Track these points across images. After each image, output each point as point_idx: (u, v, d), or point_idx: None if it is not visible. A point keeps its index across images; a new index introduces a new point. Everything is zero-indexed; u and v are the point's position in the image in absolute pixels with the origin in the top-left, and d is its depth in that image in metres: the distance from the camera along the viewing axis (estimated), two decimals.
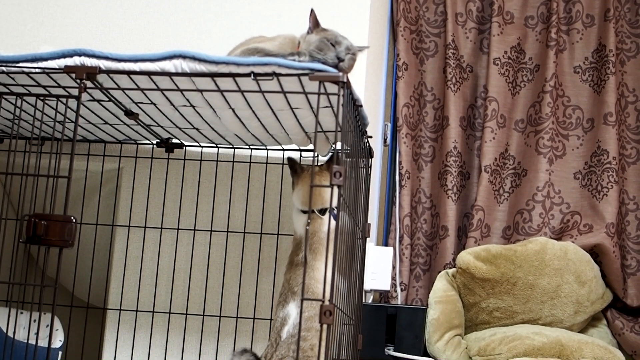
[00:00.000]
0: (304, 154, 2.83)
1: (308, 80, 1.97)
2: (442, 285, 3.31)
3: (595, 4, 3.80)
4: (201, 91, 2.13)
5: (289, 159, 2.53)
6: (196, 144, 2.87)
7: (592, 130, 3.71)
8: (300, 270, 2.38)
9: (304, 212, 2.45)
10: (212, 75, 2.01)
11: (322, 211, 2.41)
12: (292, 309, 2.33)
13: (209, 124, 2.50)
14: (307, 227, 2.17)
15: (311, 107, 2.24)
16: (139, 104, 2.31)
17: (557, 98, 3.76)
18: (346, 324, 2.18)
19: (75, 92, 2.00)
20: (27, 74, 2.05)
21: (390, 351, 3.09)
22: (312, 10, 2.37)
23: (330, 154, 2.64)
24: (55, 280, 1.88)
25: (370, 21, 3.12)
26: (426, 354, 3.17)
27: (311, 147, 2.76)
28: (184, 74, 2.02)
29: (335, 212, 2.29)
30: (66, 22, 3.14)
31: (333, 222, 2.36)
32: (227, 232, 2.87)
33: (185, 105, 2.30)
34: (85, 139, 2.86)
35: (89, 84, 2.04)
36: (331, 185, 1.85)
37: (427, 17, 3.95)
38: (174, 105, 2.30)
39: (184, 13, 3.11)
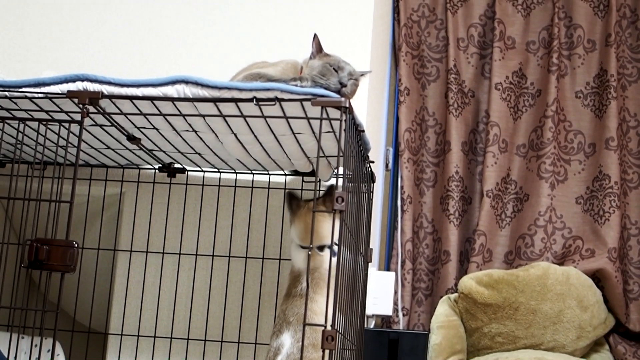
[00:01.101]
0: (305, 179, 2.83)
1: (310, 106, 1.98)
2: (444, 310, 3.31)
3: (596, 29, 3.81)
4: (204, 116, 2.14)
5: (289, 193, 2.52)
6: (198, 168, 2.87)
7: (594, 155, 3.71)
8: (297, 301, 2.36)
9: (303, 247, 2.44)
10: (215, 101, 2.01)
11: (321, 248, 2.40)
12: (286, 339, 2.32)
13: (211, 149, 2.51)
14: (309, 252, 2.17)
15: (313, 132, 2.24)
16: (141, 129, 2.31)
17: (559, 123, 3.76)
18: (348, 350, 2.18)
19: (77, 117, 2.00)
20: (30, 99, 2.06)
21: None
22: (315, 36, 2.37)
23: (331, 180, 2.64)
24: (57, 305, 1.88)
25: (372, 46, 3.13)
26: None
27: (313, 172, 2.76)
28: (186, 99, 2.02)
29: (335, 249, 2.30)
30: (69, 47, 3.15)
31: (333, 259, 2.36)
32: (229, 257, 2.87)
33: (187, 130, 2.30)
34: (88, 163, 2.86)
35: (91, 109, 2.05)
36: (333, 211, 1.85)
37: (428, 42, 3.96)
38: (176, 130, 2.31)
39: (186, 38, 3.12)
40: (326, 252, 2.38)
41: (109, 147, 2.58)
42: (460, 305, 3.29)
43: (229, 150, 2.48)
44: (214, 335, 2.83)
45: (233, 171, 2.86)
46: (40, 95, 2.04)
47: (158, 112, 2.12)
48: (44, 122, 2.08)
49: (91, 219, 2.95)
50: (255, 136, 2.31)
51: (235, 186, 2.89)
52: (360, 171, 2.32)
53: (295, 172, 2.82)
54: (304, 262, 2.41)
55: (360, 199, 2.34)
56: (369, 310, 3.26)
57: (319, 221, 2.41)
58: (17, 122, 2.12)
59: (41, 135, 2.20)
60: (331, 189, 2.50)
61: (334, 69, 2.26)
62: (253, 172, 2.85)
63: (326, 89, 2.12)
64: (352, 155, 2.08)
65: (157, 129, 2.31)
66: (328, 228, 2.39)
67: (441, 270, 3.72)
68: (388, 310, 3.34)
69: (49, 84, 2.03)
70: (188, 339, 2.84)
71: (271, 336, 2.39)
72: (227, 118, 2.15)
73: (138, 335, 2.86)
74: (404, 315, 3.72)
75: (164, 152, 2.61)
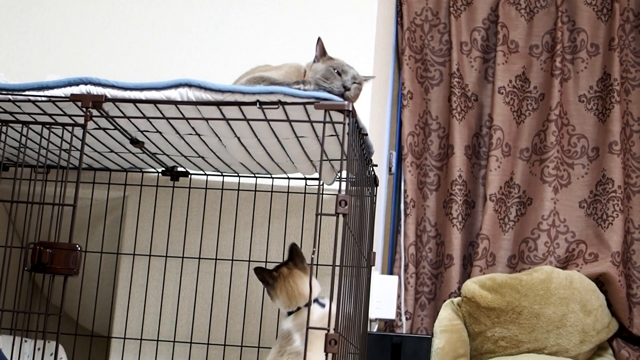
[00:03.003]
0: (309, 182, 2.83)
1: (313, 109, 1.98)
2: (447, 314, 3.30)
3: (599, 33, 3.81)
4: (207, 119, 2.14)
5: (257, 269, 2.48)
6: (201, 172, 2.87)
7: (597, 159, 3.71)
8: (293, 358, 2.33)
9: (291, 312, 2.42)
10: (218, 104, 2.01)
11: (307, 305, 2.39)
12: None
13: (214, 153, 2.51)
14: (313, 256, 2.17)
15: (317, 136, 2.24)
16: (144, 133, 2.31)
17: (562, 127, 3.76)
18: (351, 353, 2.17)
19: (81, 120, 2.00)
20: (33, 102, 2.06)
21: None
22: (319, 39, 2.37)
23: (334, 184, 2.64)
24: (60, 309, 1.87)
25: (376, 50, 3.13)
26: None
27: (316, 175, 2.76)
28: (189, 103, 2.02)
29: (320, 301, 2.28)
30: (72, 50, 3.15)
31: (320, 310, 2.34)
32: (232, 260, 2.87)
33: (190, 134, 2.30)
34: (91, 167, 2.86)
35: (94, 112, 2.05)
36: (336, 214, 1.85)
37: (432, 46, 3.96)
38: (179, 134, 2.31)
39: (189, 42, 3.12)
40: (313, 306, 2.34)
41: (112, 151, 2.58)
42: (463, 309, 3.29)
43: (232, 154, 2.48)
44: (217, 339, 2.83)
45: (236, 175, 2.86)
46: (43, 98, 2.04)
47: (161, 116, 2.12)
48: (47, 126, 2.08)
49: (94, 223, 2.95)
50: (259, 139, 2.31)
51: (239, 190, 2.89)
52: (364, 175, 2.32)
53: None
54: (293, 321, 2.38)
55: (364, 202, 2.34)
56: (372, 314, 3.26)
57: (296, 282, 2.40)
58: (21, 125, 2.12)
59: (44, 138, 2.20)
60: (293, 247, 2.49)
61: (337, 72, 2.25)
62: (256, 175, 2.85)
63: (329, 92, 2.12)
64: (356, 158, 2.08)
65: (160, 133, 2.31)
66: (307, 285, 2.37)
67: (444, 274, 3.72)
68: (391, 314, 3.34)
69: (52, 88, 2.03)
70: (191, 343, 2.84)
71: None
72: (230, 121, 2.15)
73: (141, 339, 2.86)
74: (407, 319, 3.72)
75: (168, 155, 2.62)
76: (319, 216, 1.88)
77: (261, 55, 3.03)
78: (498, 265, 3.71)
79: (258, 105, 1.99)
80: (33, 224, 2.03)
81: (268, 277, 2.45)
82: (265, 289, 2.49)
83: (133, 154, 2.61)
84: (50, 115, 2.14)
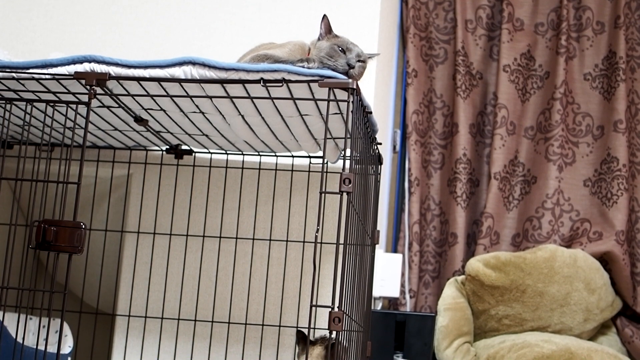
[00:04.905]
0: (313, 160, 2.82)
1: (318, 87, 1.97)
2: (451, 292, 3.31)
3: (605, 11, 3.79)
4: (211, 97, 2.13)
5: (299, 333, 2.44)
6: (205, 150, 2.87)
7: (602, 137, 3.71)
8: None
9: None
10: (222, 82, 2.01)
11: None
12: None
13: (218, 131, 2.50)
14: (317, 234, 2.17)
15: (321, 114, 2.24)
16: (148, 111, 2.31)
17: (567, 105, 3.75)
18: (355, 331, 2.18)
19: (85, 98, 2.00)
20: (37, 80, 2.06)
21: (399, 358, 3.09)
22: (324, 16, 2.36)
23: (338, 162, 2.63)
24: (65, 286, 1.88)
25: (380, 28, 3.12)
26: None
27: (320, 153, 2.76)
28: (193, 81, 2.02)
29: None
30: (76, 28, 3.15)
31: None
32: (236, 238, 2.87)
33: (194, 112, 2.30)
34: (95, 145, 2.86)
35: (98, 90, 2.05)
36: (340, 192, 1.85)
37: (436, 24, 3.95)
38: (183, 112, 2.30)
39: (193, 20, 3.11)
40: None
41: (116, 129, 2.58)
42: (467, 288, 3.30)
43: (236, 132, 2.48)
44: (221, 316, 2.84)
45: (240, 153, 2.85)
46: (47, 76, 2.03)
47: (165, 94, 2.12)
48: (52, 104, 2.08)
49: (99, 201, 2.96)
50: (263, 118, 2.31)
51: (243, 168, 2.88)
52: (368, 153, 2.32)
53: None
54: None
55: (368, 180, 2.34)
56: (376, 292, 3.26)
57: None
58: (25, 103, 2.12)
59: (48, 116, 2.20)
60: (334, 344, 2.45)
61: (341, 50, 2.24)
62: (260, 153, 2.84)
63: (334, 70, 2.11)
64: (360, 136, 2.07)
65: (164, 111, 2.31)
66: None
67: (448, 253, 3.72)
68: (395, 293, 3.35)
69: (56, 65, 2.03)
70: (195, 320, 2.84)
71: None
72: (234, 99, 2.14)
73: (145, 317, 2.86)
74: (411, 297, 3.73)
75: (171, 133, 2.61)
76: (322, 194, 1.88)
77: (265, 33, 3.02)
78: (502, 244, 3.71)
79: (262, 83, 1.99)
80: (37, 201, 2.04)
81: (302, 343, 2.42)
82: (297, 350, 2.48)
83: (137, 132, 2.61)
84: (54, 93, 2.14)
